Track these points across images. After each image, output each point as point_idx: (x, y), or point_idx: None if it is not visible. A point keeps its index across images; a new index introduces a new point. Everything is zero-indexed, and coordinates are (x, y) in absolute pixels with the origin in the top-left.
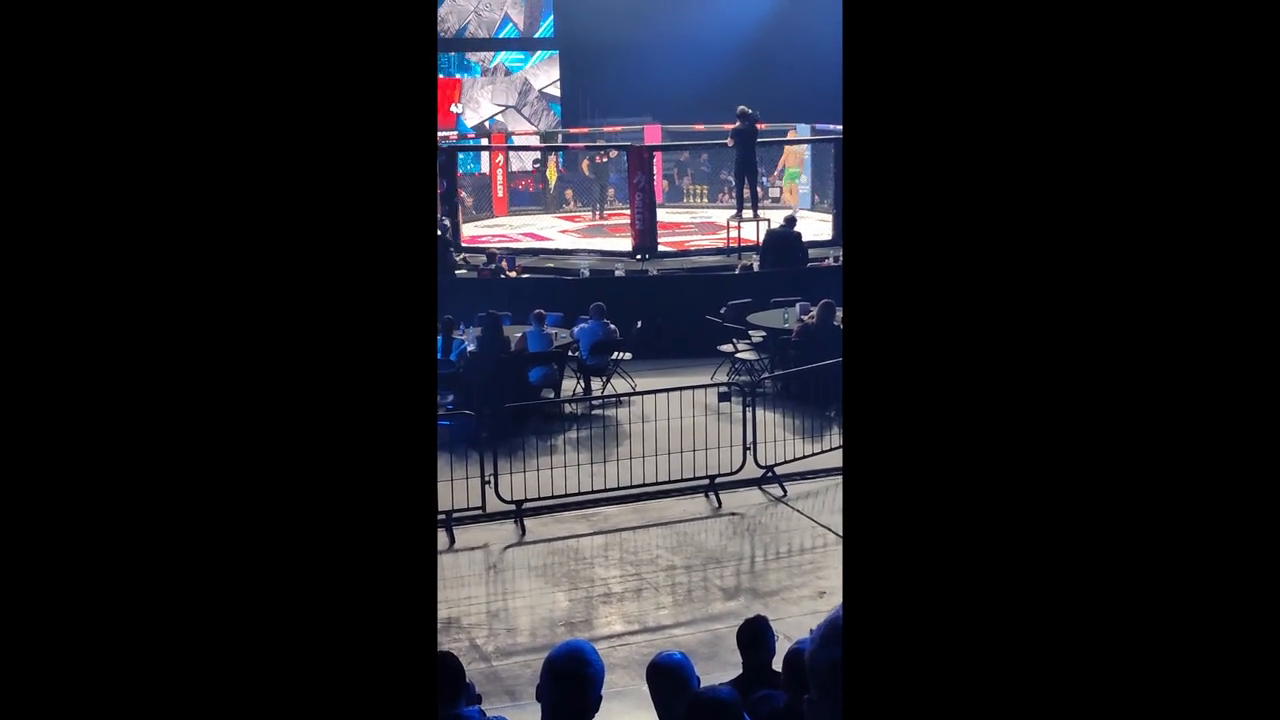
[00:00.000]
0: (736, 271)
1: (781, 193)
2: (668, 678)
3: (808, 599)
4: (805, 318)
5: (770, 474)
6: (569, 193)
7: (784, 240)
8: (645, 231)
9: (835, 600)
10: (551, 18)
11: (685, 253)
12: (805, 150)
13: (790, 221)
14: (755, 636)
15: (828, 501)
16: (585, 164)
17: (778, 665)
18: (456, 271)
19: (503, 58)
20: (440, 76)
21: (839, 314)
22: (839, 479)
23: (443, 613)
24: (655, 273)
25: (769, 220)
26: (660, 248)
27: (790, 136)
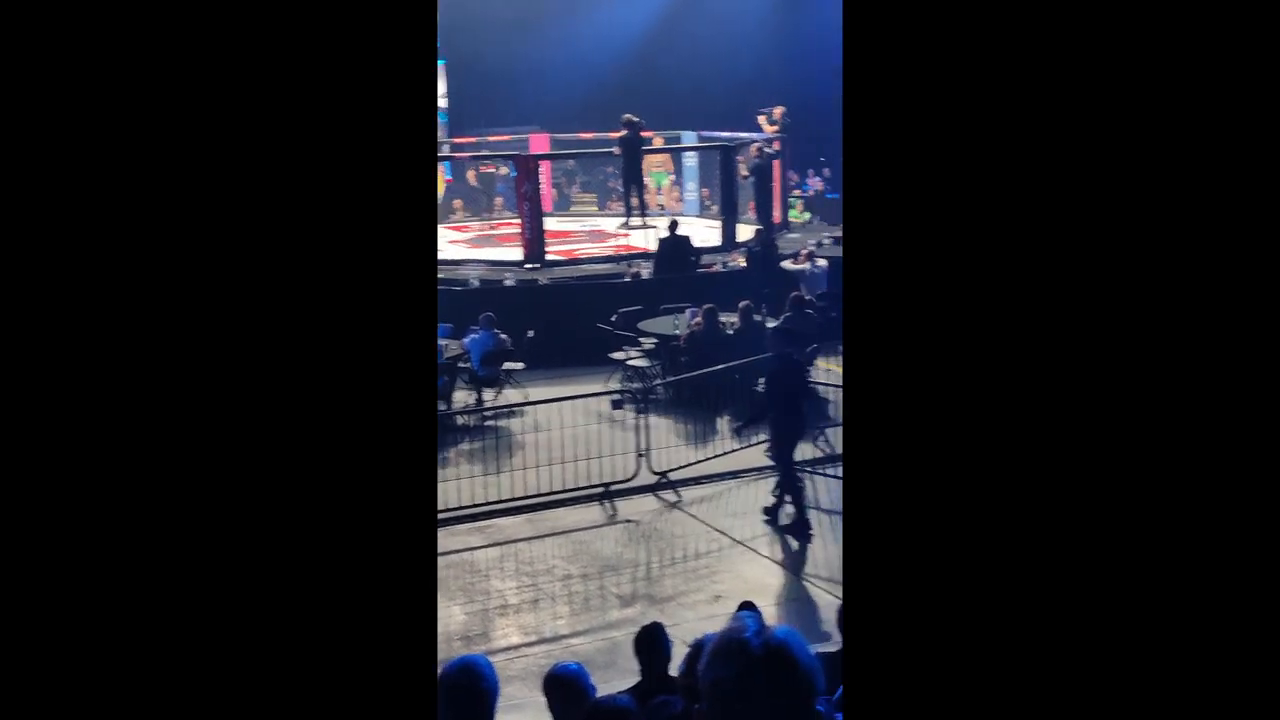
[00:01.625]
0: (627, 279)
1: (664, 198)
2: (564, 688)
3: (704, 603)
4: (694, 324)
5: (664, 480)
6: (457, 203)
7: (675, 246)
8: (534, 240)
9: (731, 604)
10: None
11: (575, 261)
12: (694, 157)
13: (673, 227)
14: (651, 643)
15: (721, 505)
16: (472, 174)
17: (675, 671)
18: None
19: None
20: None
21: (724, 318)
22: (731, 483)
23: None
24: (545, 281)
25: (657, 227)
26: (549, 256)
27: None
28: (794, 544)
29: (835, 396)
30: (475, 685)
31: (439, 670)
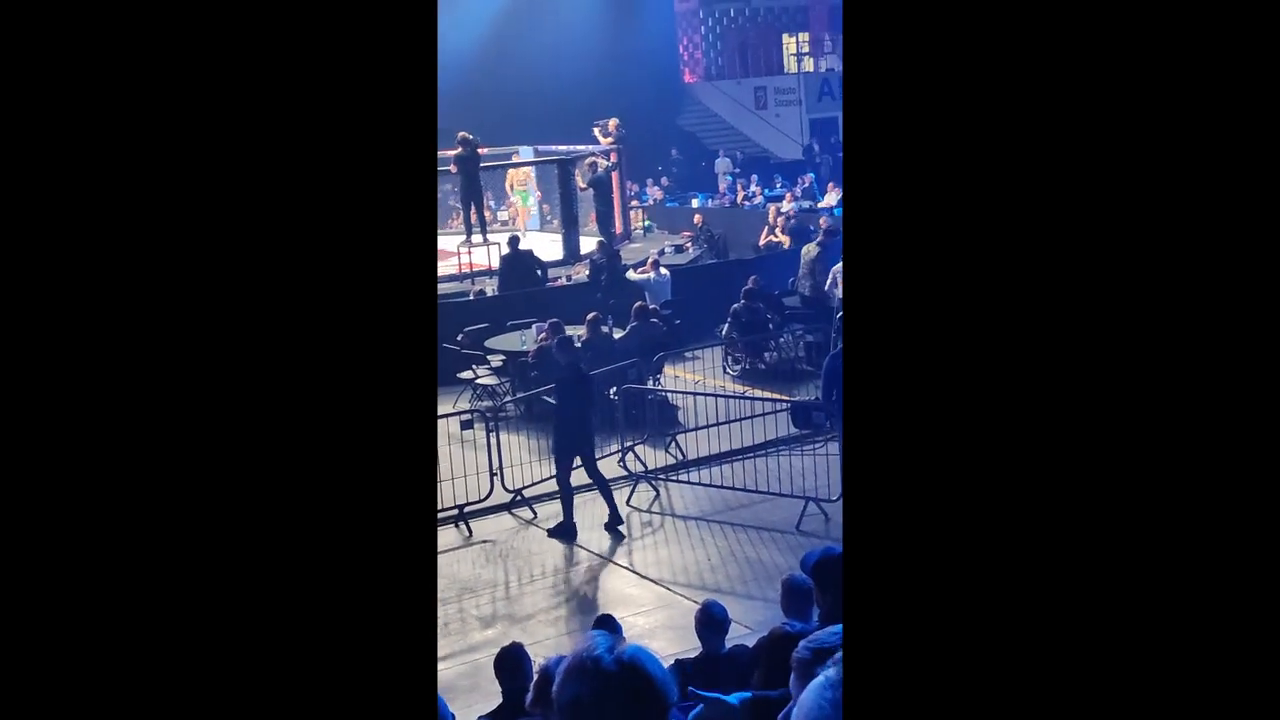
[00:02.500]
0: (471, 297)
1: (515, 213)
2: None
3: (565, 619)
4: (540, 338)
5: (519, 498)
6: None
7: (517, 261)
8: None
9: (589, 620)
10: None
11: None
12: (530, 171)
13: (514, 242)
14: (512, 665)
15: (577, 520)
16: None
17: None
18: None
19: None
20: None
21: (569, 332)
22: (587, 495)
23: None
24: None
25: (499, 244)
26: None
27: (514, 159)
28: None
29: (683, 403)
30: None
31: None
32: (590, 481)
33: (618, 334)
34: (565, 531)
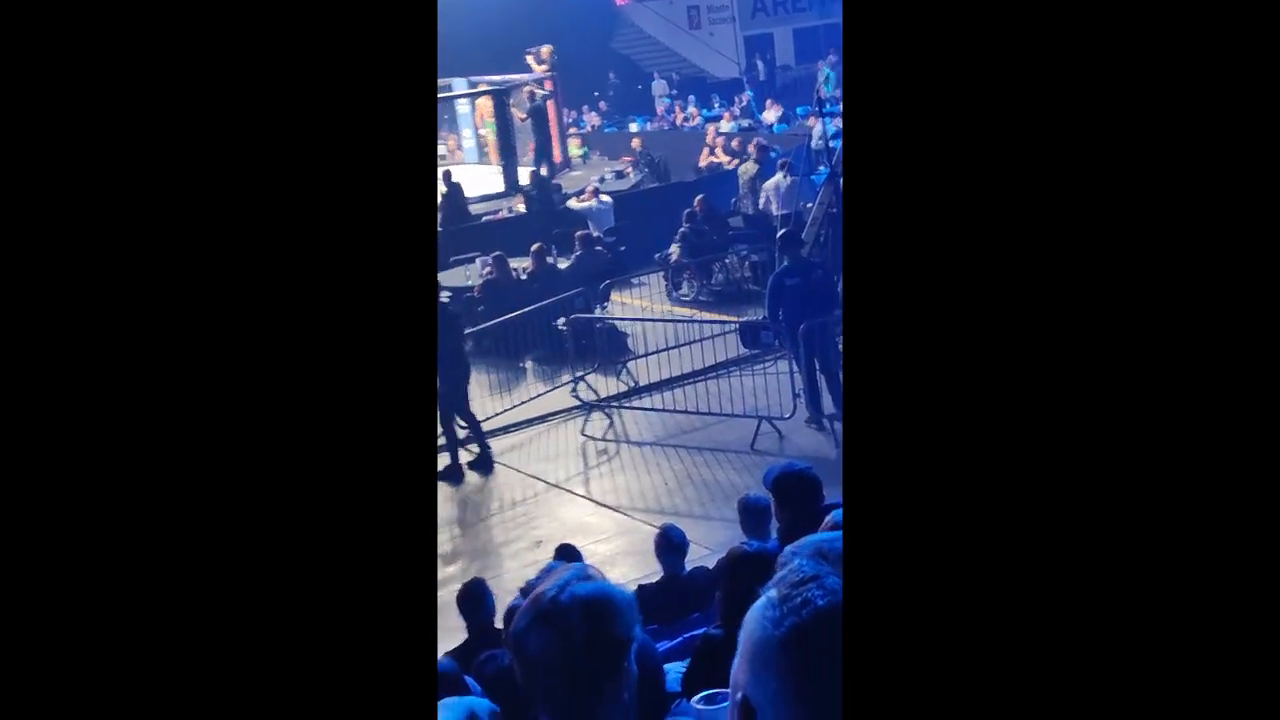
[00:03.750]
0: None
1: (487, 144)
2: None
3: (526, 550)
4: (485, 272)
5: (472, 433)
6: None
7: (454, 196)
8: None
9: (551, 549)
10: None
11: None
12: (466, 104)
13: (446, 177)
14: (473, 600)
15: (533, 451)
16: None
17: (500, 623)
18: None
19: None
20: None
21: (513, 264)
22: (540, 427)
23: None
24: None
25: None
26: None
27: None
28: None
29: (632, 330)
30: None
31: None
32: (540, 414)
33: (562, 264)
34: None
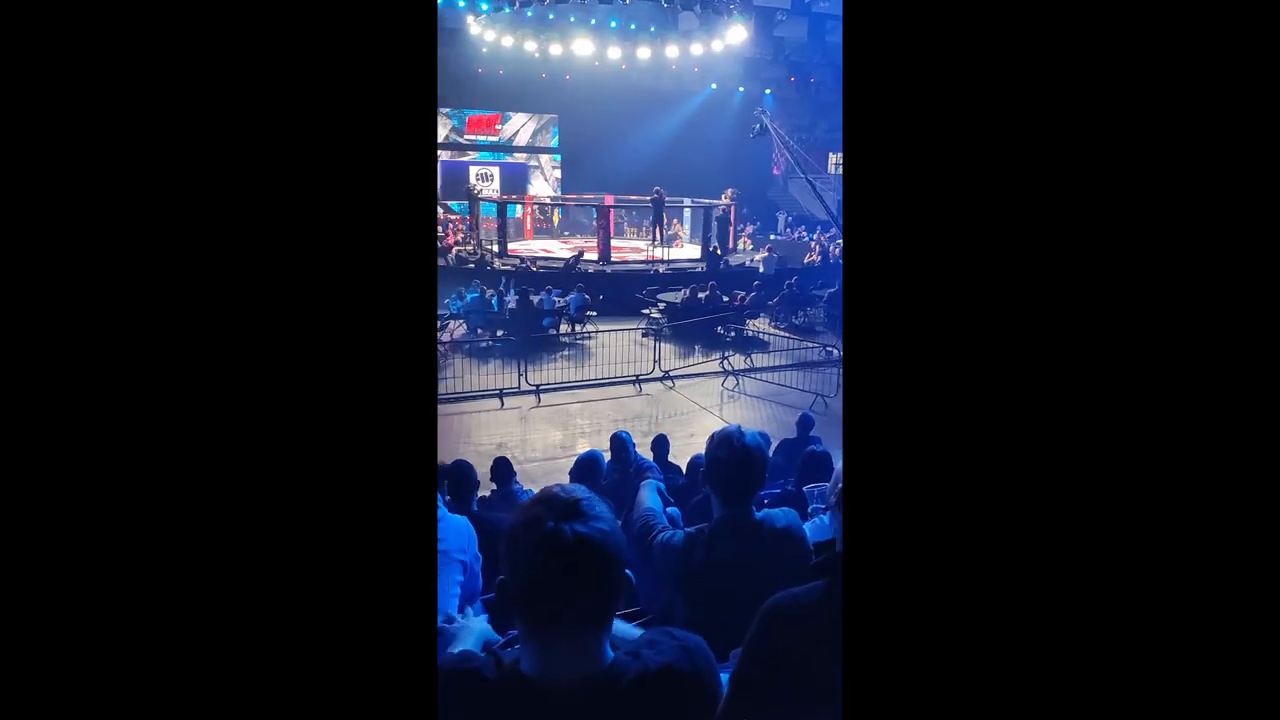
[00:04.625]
0: (651, 272)
1: (677, 233)
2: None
3: (685, 437)
4: (685, 295)
5: (667, 375)
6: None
7: (575, 268)
8: (604, 249)
9: (701, 438)
10: (557, 134)
11: (624, 262)
12: (688, 212)
13: (579, 255)
14: (660, 444)
15: (696, 389)
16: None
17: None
18: (499, 264)
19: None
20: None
21: (700, 295)
22: (701, 378)
23: (493, 441)
24: (609, 271)
25: (669, 249)
26: (612, 257)
27: (683, 204)
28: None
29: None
30: (594, 459)
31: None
32: (702, 371)
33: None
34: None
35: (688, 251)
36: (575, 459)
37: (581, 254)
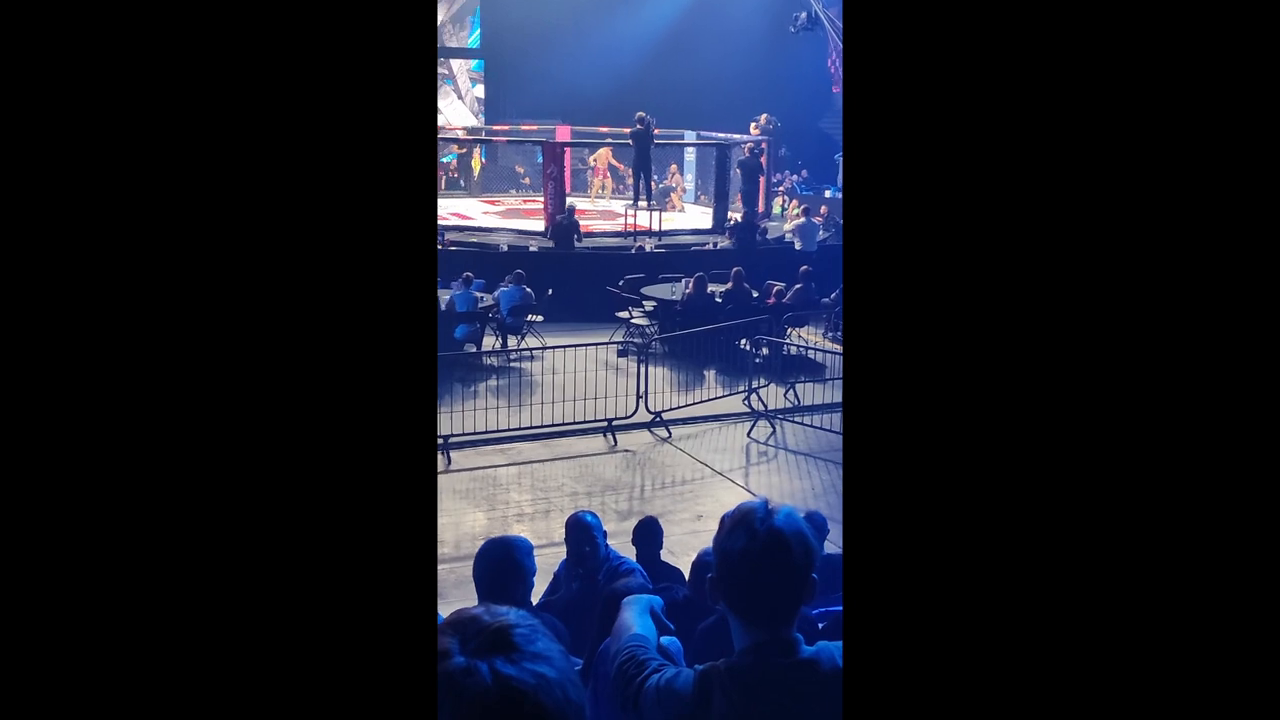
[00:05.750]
0: (632, 251)
1: (676, 183)
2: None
3: (688, 520)
4: (687, 290)
5: (658, 419)
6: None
7: (565, 228)
8: (556, 214)
9: (710, 522)
10: (478, 31)
11: (589, 234)
12: (693, 151)
13: (569, 211)
14: (647, 533)
15: (704, 442)
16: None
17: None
18: None
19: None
20: None
21: (712, 288)
22: (714, 424)
23: None
24: (564, 250)
25: (662, 209)
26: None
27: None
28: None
29: (805, 357)
30: (511, 556)
31: (482, 549)
32: (715, 413)
33: (755, 293)
34: None
35: (690, 218)
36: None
37: (573, 213)
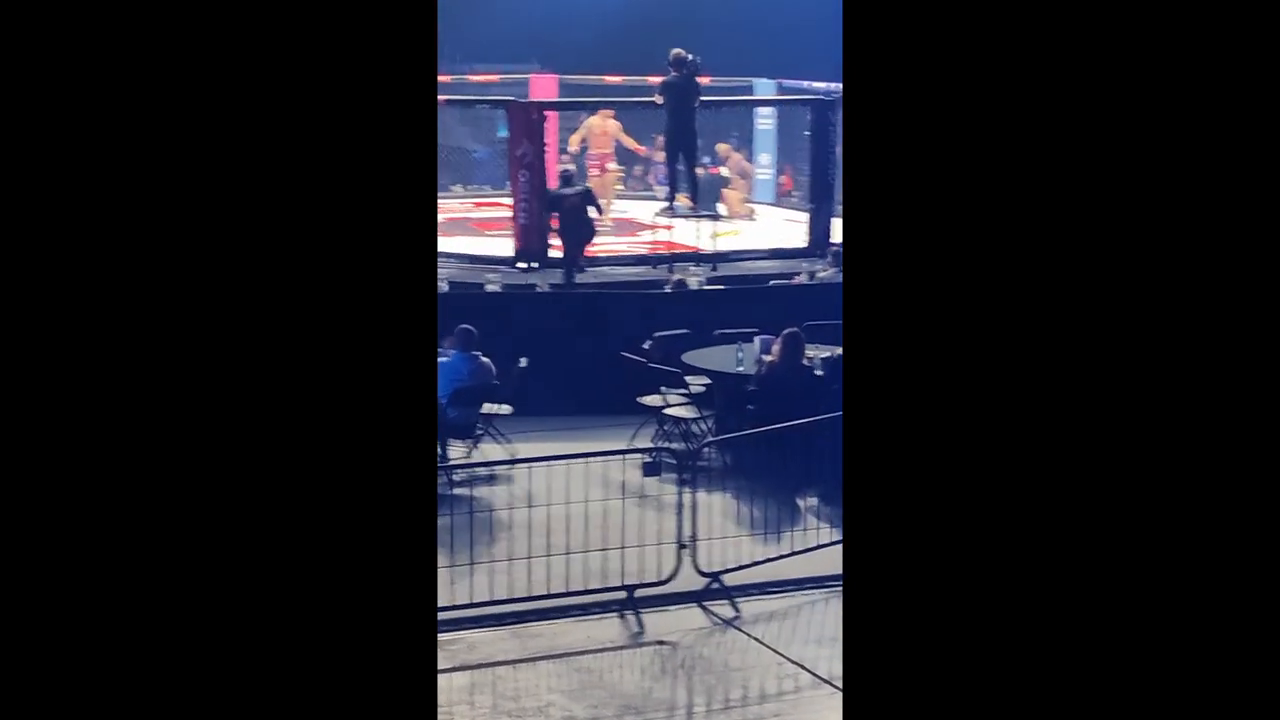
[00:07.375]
0: (668, 289)
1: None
2: None
3: None
4: (767, 357)
5: (716, 584)
6: None
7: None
8: (531, 228)
9: None
10: None
11: (592, 260)
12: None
13: (567, 178)
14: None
15: (799, 625)
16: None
17: None
18: None
19: None
20: None
21: (811, 351)
22: (815, 593)
23: None
24: (547, 288)
25: (712, 215)
26: (554, 253)
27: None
28: None
29: None
30: None
31: None
32: (804, 577)
33: None
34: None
35: (765, 229)
36: None
37: (589, 195)
